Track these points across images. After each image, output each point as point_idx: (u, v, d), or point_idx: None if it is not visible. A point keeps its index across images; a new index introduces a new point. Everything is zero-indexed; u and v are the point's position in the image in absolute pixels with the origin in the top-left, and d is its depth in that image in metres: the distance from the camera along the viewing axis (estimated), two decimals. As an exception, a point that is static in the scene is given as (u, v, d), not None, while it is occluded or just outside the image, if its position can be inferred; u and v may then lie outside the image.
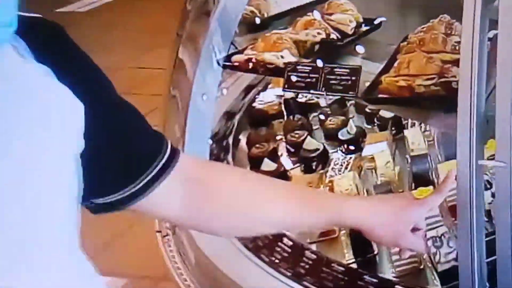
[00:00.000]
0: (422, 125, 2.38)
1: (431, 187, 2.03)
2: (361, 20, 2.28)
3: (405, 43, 2.09)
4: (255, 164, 2.44)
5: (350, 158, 2.45)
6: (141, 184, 1.04)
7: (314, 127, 2.73)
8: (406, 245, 1.37)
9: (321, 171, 2.47)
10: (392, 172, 2.28)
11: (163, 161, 1.07)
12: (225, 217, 1.22)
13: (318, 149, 2.52)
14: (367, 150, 2.44)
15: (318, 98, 2.78)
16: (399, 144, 2.44)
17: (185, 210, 1.16)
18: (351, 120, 2.57)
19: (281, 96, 2.88)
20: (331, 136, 2.61)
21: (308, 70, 2.06)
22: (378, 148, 2.41)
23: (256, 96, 2.94)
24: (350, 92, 1.96)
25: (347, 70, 1.98)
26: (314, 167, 2.51)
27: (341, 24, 2.26)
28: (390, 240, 1.36)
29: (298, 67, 2.09)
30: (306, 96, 2.85)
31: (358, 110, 2.66)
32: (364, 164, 2.43)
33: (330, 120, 2.65)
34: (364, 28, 2.28)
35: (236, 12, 2.42)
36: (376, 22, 2.27)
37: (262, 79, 2.93)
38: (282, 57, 2.17)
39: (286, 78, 2.11)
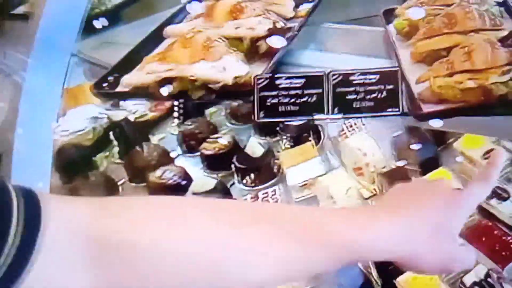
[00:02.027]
0: (363, 127, 1.78)
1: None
2: (294, -5, 1.56)
3: (398, 21, 1.47)
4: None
5: (274, 192, 1.72)
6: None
7: (172, 154, 1.89)
8: (460, 263, 0.87)
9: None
10: (357, 202, 1.65)
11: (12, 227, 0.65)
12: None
13: (215, 188, 1.72)
14: (294, 177, 1.74)
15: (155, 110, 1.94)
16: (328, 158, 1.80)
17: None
18: (253, 138, 1.81)
19: (97, 118, 1.94)
20: (216, 165, 1.82)
21: (299, 84, 1.30)
22: (311, 169, 1.74)
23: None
24: (390, 109, 1.27)
25: (375, 76, 1.29)
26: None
27: (276, 4, 1.50)
28: (441, 265, 0.85)
29: (279, 81, 1.30)
30: (136, 112, 1.98)
31: (239, 118, 1.91)
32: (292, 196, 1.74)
33: (207, 142, 1.84)
34: (304, 7, 1.55)
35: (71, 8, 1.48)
36: (312, -3, 1.57)
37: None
38: (224, 69, 1.35)
39: (259, 101, 1.30)
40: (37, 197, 0.70)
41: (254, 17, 1.45)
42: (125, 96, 1.43)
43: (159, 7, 1.67)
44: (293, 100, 1.31)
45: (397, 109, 1.28)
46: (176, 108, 1.97)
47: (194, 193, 1.73)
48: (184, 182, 1.75)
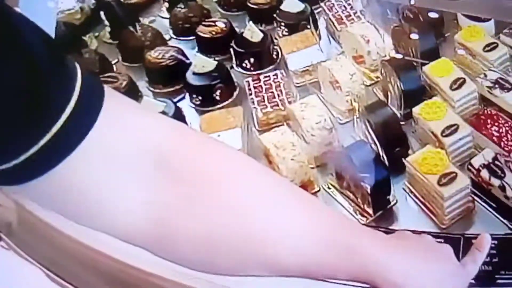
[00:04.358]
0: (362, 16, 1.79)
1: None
2: None
3: None
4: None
5: (276, 76, 1.71)
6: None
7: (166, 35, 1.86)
8: None
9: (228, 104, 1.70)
10: (361, 88, 1.66)
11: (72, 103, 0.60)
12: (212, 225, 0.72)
13: (217, 69, 1.70)
14: (295, 63, 1.74)
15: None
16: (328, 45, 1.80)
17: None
18: (250, 23, 1.78)
19: (83, -1, 1.86)
20: (213, 49, 1.79)
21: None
22: (311, 55, 1.74)
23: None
24: None
25: None
26: (218, 98, 1.70)
27: None
28: None
29: None
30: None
31: (232, 5, 1.87)
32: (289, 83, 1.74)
33: (203, 25, 1.80)
34: None
35: None
36: None
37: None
38: None
39: None
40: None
41: None
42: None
43: None
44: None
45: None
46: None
47: (194, 73, 1.70)
48: (184, 62, 1.71)
